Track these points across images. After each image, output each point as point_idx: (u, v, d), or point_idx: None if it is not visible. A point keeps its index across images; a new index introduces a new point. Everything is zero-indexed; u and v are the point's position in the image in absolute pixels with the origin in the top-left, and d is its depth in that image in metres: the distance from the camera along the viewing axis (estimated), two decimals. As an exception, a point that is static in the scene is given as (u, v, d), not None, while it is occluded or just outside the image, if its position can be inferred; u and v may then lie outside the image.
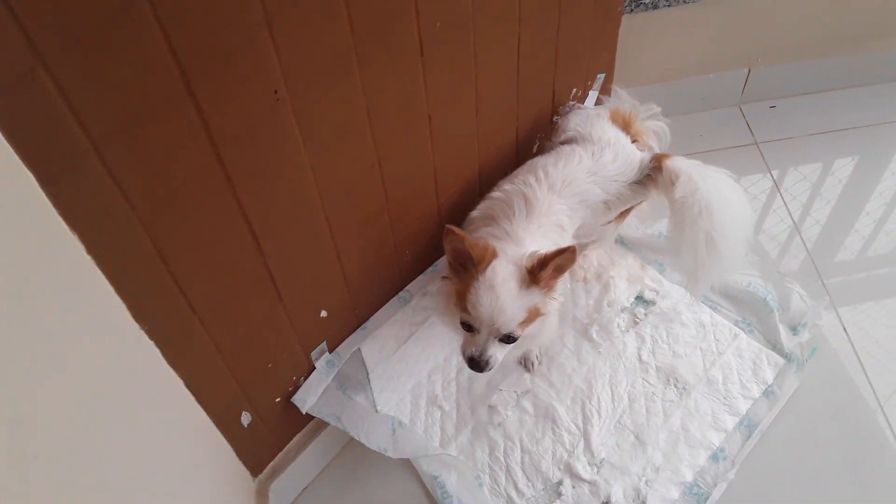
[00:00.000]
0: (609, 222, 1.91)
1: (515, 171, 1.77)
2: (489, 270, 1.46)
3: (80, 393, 0.97)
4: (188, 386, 1.32)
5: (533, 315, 1.49)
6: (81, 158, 0.93)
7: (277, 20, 1.04)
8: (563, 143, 1.84)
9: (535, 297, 1.47)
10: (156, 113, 0.97)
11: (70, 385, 0.94)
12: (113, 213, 1.01)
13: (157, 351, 1.21)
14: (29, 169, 0.87)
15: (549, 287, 1.50)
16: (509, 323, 1.46)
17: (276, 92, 1.12)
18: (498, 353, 1.52)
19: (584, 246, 2.12)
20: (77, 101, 0.88)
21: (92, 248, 1.01)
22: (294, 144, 1.21)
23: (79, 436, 0.95)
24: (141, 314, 1.14)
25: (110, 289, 1.07)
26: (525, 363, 1.97)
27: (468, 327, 1.52)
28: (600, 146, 1.76)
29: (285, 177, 1.24)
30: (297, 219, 1.33)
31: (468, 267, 1.48)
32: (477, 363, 1.52)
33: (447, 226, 1.43)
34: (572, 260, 1.43)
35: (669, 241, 1.81)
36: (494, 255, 1.49)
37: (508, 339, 1.50)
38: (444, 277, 1.61)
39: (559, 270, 1.48)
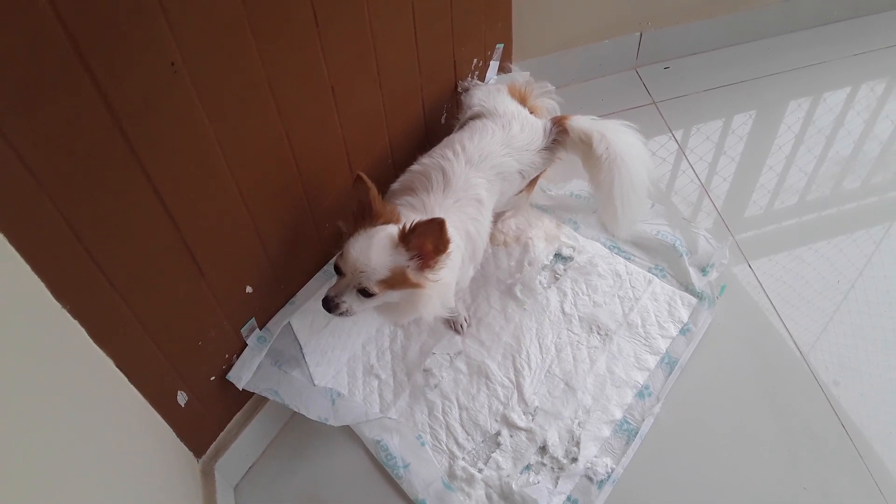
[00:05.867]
0: (521, 192, 2.00)
1: (434, 147, 1.84)
2: (378, 226, 1.53)
3: (1, 376, 0.99)
4: (118, 366, 1.34)
5: (398, 279, 1.52)
6: (-22, 133, 0.95)
7: (166, -10, 1.09)
8: (470, 118, 1.92)
9: (401, 259, 1.51)
10: (52, 85, 1.00)
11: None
12: (19, 189, 1.03)
13: (82, 330, 1.24)
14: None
15: (426, 260, 1.53)
16: (370, 275, 1.50)
17: (172, 64, 1.16)
18: (354, 304, 1.55)
19: (502, 214, 2.22)
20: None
21: (2, 226, 1.03)
22: (197, 116, 1.25)
23: (3, 424, 0.95)
24: (61, 293, 1.17)
25: (27, 266, 1.10)
26: (454, 326, 2.05)
27: (339, 271, 1.56)
28: (507, 119, 1.86)
29: (191, 149, 1.28)
30: (208, 192, 1.37)
31: (365, 218, 1.55)
32: (328, 303, 1.55)
33: (358, 172, 1.49)
34: (438, 230, 1.46)
35: (597, 195, 1.95)
36: (397, 220, 1.57)
37: (365, 292, 1.53)
38: (340, 221, 1.65)
39: (436, 248, 1.51)
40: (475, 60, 2.11)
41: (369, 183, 1.53)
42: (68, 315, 1.20)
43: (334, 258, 1.59)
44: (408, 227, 1.49)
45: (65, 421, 1.15)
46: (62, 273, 1.15)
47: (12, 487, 0.93)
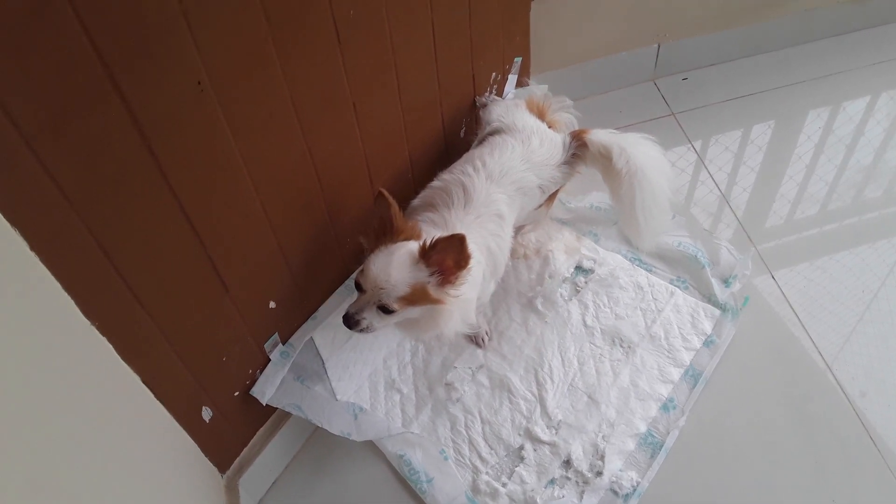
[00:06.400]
0: (540, 206, 2.00)
1: (454, 163, 1.85)
2: (399, 242, 1.53)
3: (34, 393, 1.00)
4: (145, 382, 1.35)
5: (418, 295, 1.52)
6: (14, 153, 0.96)
7: (193, 11, 1.10)
8: (489, 134, 1.92)
9: (422, 275, 1.51)
10: (83, 105, 1.02)
11: (23, 385, 0.97)
12: (50, 208, 1.05)
13: (110, 347, 1.25)
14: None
15: (446, 276, 1.52)
16: (390, 292, 1.50)
17: (199, 83, 1.17)
18: (375, 321, 1.55)
19: (521, 228, 2.21)
20: (3, 96, 0.92)
21: (35, 244, 1.04)
22: (222, 134, 1.26)
23: (36, 440, 0.97)
24: (90, 310, 1.18)
25: (57, 285, 1.11)
26: (476, 340, 2.04)
27: (360, 287, 1.56)
28: (526, 134, 1.86)
29: (217, 166, 1.29)
30: (233, 208, 1.38)
31: (386, 234, 1.55)
32: (348, 319, 1.55)
33: (380, 189, 1.50)
34: (458, 245, 1.46)
35: (619, 208, 1.95)
36: (418, 236, 1.56)
37: (385, 309, 1.53)
38: (361, 237, 1.65)
39: (457, 264, 1.51)
40: (493, 74, 2.12)
41: (391, 199, 1.53)
42: (97, 332, 1.21)
43: (355, 273, 1.59)
44: (428, 243, 1.49)
45: (93, 435, 1.16)
46: (91, 290, 1.17)
47: (40, 500, 0.94)
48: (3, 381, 0.92)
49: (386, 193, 1.53)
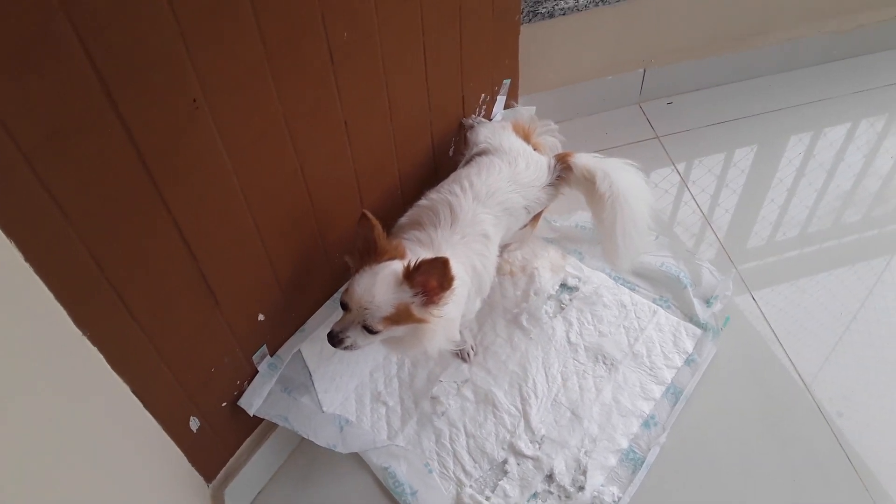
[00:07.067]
0: (525, 226, 2.04)
1: (442, 182, 1.88)
2: (383, 262, 1.56)
3: (23, 400, 1.02)
4: (134, 392, 1.37)
5: (403, 315, 1.54)
6: (12, 167, 0.99)
7: (191, 33, 1.14)
8: (476, 154, 1.95)
9: (406, 296, 1.53)
10: (81, 123, 1.05)
11: (12, 391, 0.99)
12: (47, 221, 1.08)
13: (101, 357, 1.27)
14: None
15: (430, 297, 1.55)
16: (374, 312, 1.52)
17: (194, 101, 1.21)
18: (359, 339, 1.57)
19: (506, 247, 2.25)
20: (4, 113, 0.95)
21: (29, 256, 1.07)
22: (216, 151, 1.30)
23: (23, 446, 0.99)
24: (81, 320, 1.20)
25: (50, 294, 1.13)
26: (461, 355, 2.07)
27: (345, 306, 1.59)
28: (513, 156, 1.89)
29: (210, 182, 1.33)
30: (225, 223, 1.41)
31: (371, 255, 1.58)
32: (333, 338, 1.58)
33: (363, 210, 1.53)
34: (442, 268, 1.48)
35: (600, 230, 1.98)
36: (403, 255, 1.59)
37: (369, 329, 1.55)
38: (346, 257, 1.68)
39: (441, 285, 1.53)
40: (483, 96, 2.16)
41: (374, 221, 1.56)
42: (88, 342, 1.23)
43: (343, 288, 1.62)
44: (412, 264, 1.51)
45: (80, 443, 1.18)
46: (83, 301, 1.19)
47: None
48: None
49: (369, 215, 1.56)
